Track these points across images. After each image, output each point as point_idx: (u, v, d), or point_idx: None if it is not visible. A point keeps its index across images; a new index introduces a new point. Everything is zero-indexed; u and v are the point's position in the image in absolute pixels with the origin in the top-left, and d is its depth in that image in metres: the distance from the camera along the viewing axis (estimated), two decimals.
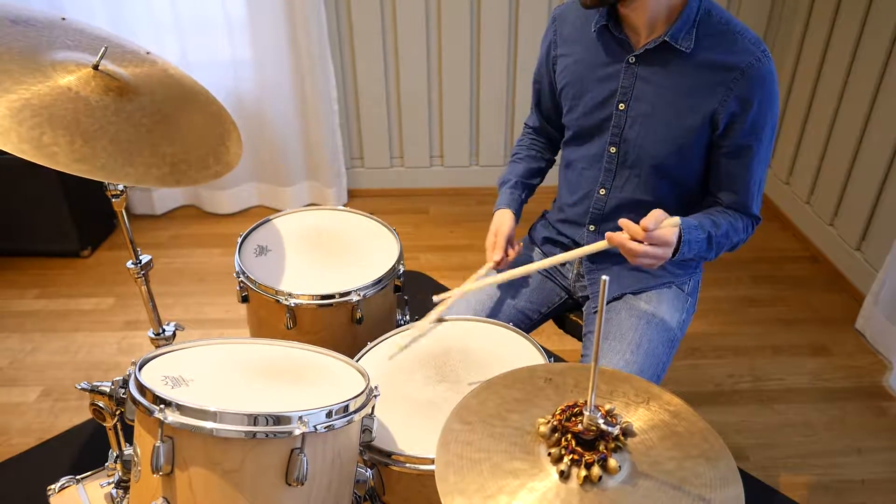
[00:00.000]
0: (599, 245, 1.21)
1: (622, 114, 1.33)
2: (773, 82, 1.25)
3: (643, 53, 1.28)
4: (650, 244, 1.15)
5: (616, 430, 0.80)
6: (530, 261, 1.55)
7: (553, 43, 1.43)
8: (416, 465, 1.07)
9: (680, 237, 1.21)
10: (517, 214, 1.49)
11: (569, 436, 0.80)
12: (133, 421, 0.98)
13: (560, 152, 1.54)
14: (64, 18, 1.30)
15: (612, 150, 1.37)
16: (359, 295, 1.41)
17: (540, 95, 1.53)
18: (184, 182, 1.18)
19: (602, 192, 1.41)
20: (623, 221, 1.16)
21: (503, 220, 1.46)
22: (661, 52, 1.27)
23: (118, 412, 1.11)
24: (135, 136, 1.16)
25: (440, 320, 1.38)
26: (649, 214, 1.16)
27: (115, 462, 1.24)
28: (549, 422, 0.83)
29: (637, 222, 1.16)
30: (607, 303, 1.44)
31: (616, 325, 1.39)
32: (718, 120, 1.26)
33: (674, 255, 1.22)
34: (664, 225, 1.17)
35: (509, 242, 1.44)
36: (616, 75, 1.32)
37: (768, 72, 1.24)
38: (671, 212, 1.38)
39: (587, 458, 0.78)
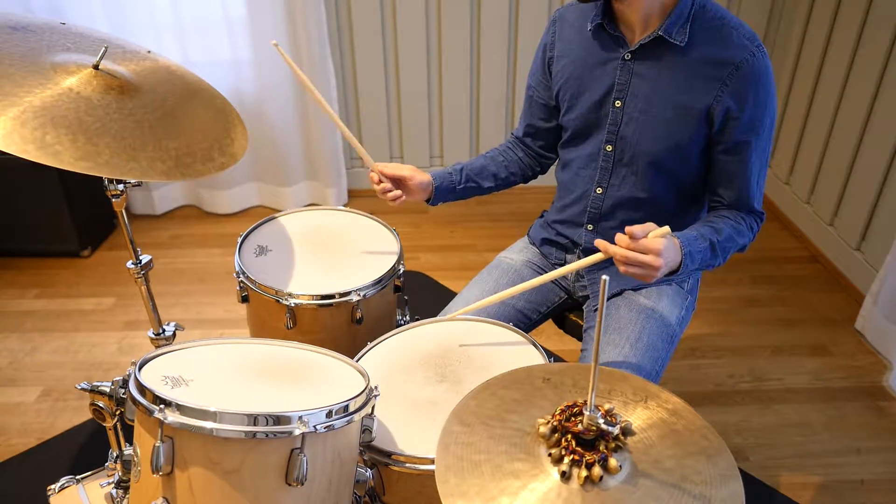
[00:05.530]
0: (595, 257, 1.20)
1: (618, 111, 1.33)
2: (768, 77, 1.25)
3: (638, 49, 1.28)
4: (636, 251, 1.13)
5: (616, 430, 0.80)
6: (526, 263, 1.56)
7: (550, 44, 1.43)
8: (416, 465, 1.07)
9: (682, 251, 1.20)
10: (436, 186, 1.48)
11: (569, 436, 0.80)
12: (133, 421, 0.98)
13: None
14: (64, 23, 1.30)
15: (609, 148, 1.37)
16: (359, 295, 1.41)
17: (531, 102, 1.52)
18: (189, 175, 1.18)
19: (599, 190, 1.41)
20: (618, 235, 1.15)
21: (417, 170, 1.45)
22: (656, 48, 1.27)
23: (118, 412, 1.11)
24: (138, 131, 1.16)
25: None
26: (641, 225, 1.15)
27: (115, 462, 1.24)
28: (548, 422, 0.83)
29: (635, 221, 1.16)
30: (607, 299, 1.44)
31: (615, 319, 1.39)
32: (714, 116, 1.26)
33: (679, 269, 1.20)
34: (653, 234, 1.15)
35: (396, 180, 1.43)
36: (612, 72, 1.32)
37: (763, 67, 1.23)
38: (670, 209, 1.38)
39: (588, 458, 0.78)
